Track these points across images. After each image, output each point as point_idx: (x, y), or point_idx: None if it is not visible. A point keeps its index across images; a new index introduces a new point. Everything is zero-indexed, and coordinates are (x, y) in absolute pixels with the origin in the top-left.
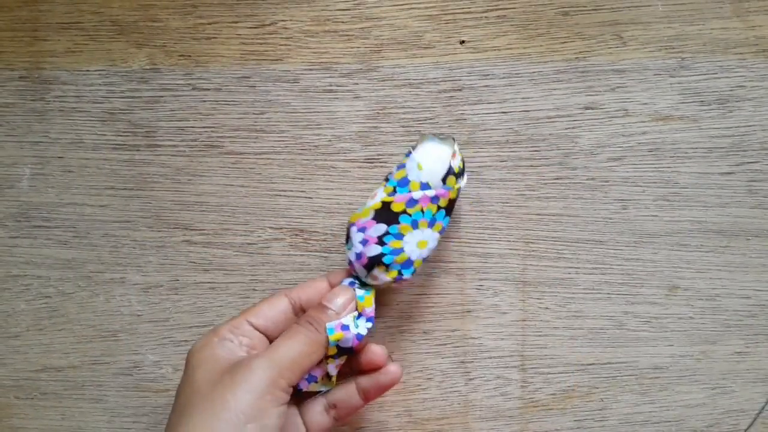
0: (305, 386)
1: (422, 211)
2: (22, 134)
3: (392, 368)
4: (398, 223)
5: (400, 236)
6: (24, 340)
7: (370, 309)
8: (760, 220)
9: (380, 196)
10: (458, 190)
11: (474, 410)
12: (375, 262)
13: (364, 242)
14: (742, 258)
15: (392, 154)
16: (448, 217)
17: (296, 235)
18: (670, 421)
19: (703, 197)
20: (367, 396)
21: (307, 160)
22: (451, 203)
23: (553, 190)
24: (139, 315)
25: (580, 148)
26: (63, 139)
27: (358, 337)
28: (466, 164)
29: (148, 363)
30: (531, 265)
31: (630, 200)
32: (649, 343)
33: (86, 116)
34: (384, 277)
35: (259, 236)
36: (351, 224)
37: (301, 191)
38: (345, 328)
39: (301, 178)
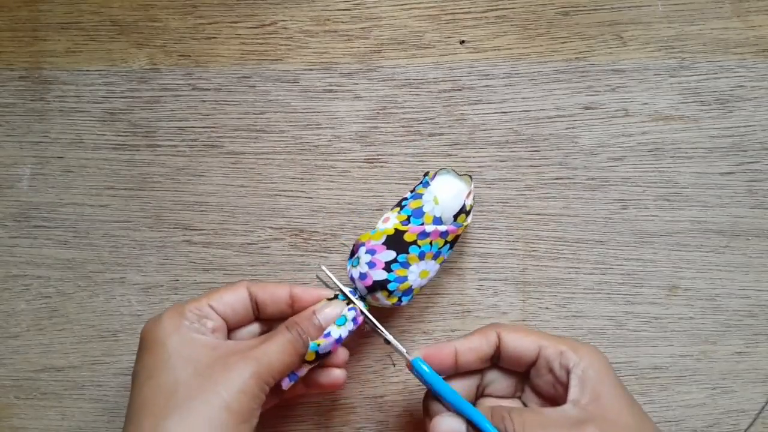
0: (286, 385)
1: (431, 244)
2: (22, 134)
3: (336, 372)
4: (407, 252)
5: (406, 265)
6: (24, 340)
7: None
8: (760, 220)
9: (393, 222)
10: (466, 227)
11: None
12: (379, 286)
13: (372, 264)
14: (742, 258)
15: (392, 154)
16: (451, 250)
17: (296, 235)
18: (670, 421)
19: (703, 197)
20: (306, 383)
21: (307, 160)
22: (457, 238)
23: (553, 190)
24: (139, 315)
25: (580, 148)
26: (63, 139)
27: (338, 341)
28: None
29: None
30: (531, 265)
31: (630, 200)
32: (649, 343)
33: (86, 116)
34: (385, 301)
35: (259, 236)
36: (360, 243)
37: (301, 191)
38: (326, 335)
39: (301, 178)
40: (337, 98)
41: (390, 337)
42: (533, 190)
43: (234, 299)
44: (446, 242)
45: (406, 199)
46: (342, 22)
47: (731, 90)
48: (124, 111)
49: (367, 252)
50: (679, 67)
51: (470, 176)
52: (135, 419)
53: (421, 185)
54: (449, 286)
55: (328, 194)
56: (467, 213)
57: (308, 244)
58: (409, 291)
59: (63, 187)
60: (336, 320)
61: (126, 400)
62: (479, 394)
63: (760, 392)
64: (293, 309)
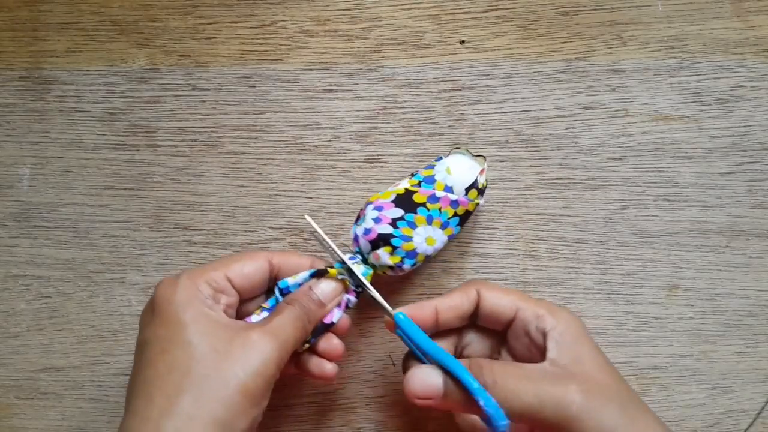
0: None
1: (440, 210)
2: (22, 134)
3: (328, 366)
4: (416, 213)
5: (413, 225)
6: (24, 340)
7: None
8: (760, 220)
9: (404, 184)
10: (476, 204)
11: None
12: (383, 240)
13: (378, 220)
14: (742, 258)
15: (392, 154)
16: (459, 227)
17: (296, 235)
18: (670, 421)
19: (703, 197)
20: (297, 365)
21: (307, 160)
22: (467, 214)
23: (553, 190)
24: (139, 315)
25: (580, 148)
26: (63, 139)
27: (338, 314)
28: (488, 185)
29: None
30: (531, 265)
31: (630, 200)
32: (649, 343)
33: (86, 116)
34: (386, 258)
35: (259, 236)
36: (368, 203)
37: (301, 191)
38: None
39: (301, 178)
40: (337, 98)
41: (376, 294)
42: (533, 190)
43: (254, 271)
44: (456, 214)
45: (419, 170)
46: (342, 22)
47: (731, 90)
48: (124, 111)
49: (374, 209)
50: (679, 67)
51: (484, 157)
52: (145, 393)
53: (435, 160)
54: (449, 286)
55: (328, 194)
56: (479, 191)
57: (308, 244)
58: (413, 254)
59: (63, 187)
60: (335, 300)
61: None
62: (457, 355)
63: (760, 392)
64: None
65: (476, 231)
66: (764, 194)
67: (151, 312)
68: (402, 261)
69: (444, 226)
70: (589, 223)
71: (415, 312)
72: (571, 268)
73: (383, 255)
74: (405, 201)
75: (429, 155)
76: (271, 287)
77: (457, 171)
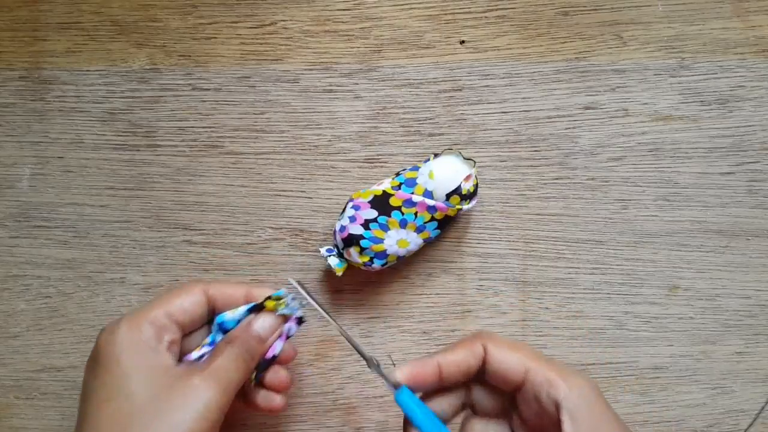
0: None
1: (416, 214)
2: (22, 134)
3: (276, 399)
4: (389, 216)
5: (386, 227)
6: (24, 340)
7: (294, 317)
8: (760, 220)
9: (386, 185)
10: (458, 210)
11: None
12: (353, 240)
13: (353, 219)
14: (742, 258)
15: (392, 154)
16: (439, 231)
17: (296, 235)
18: (670, 421)
19: (703, 197)
20: (245, 400)
21: (307, 160)
22: (447, 219)
23: (553, 190)
24: None
25: (580, 148)
26: (63, 139)
27: (280, 345)
28: (479, 190)
29: None
30: (531, 265)
31: (630, 200)
32: (649, 343)
33: (86, 116)
34: (356, 257)
35: (259, 236)
36: (351, 199)
37: (301, 191)
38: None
39: (301, 178)
40: (337, 98)
41: (381, 372)
42: (533, 190)
43: (191, 305)
44: (433, 218)
45: (405, 169)
46: (342, 22)
47: (731, 90)
48: (124, 111)
49: (352, 207)
50: (679, 67)
51: (474, 161)
52: None
53: (425, 161)
54: (449, 286)
55: (328, 194)
56: (462, 196)
57: (308, 244)
58: (382, 255)
59: (63, 187)
60: (275, 334)
61: None
62: (467, 411)
63: (760, 392)
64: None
65: (476, 231)
66: (764, 194)
67: (95, 360)
68: (371, 261)
69: (419, 230)
70: (589, 223)
71: (417, 370)
72: (571, 268)
73: (353, 253)
74: (381, 203)
75: (429, 155)
76: (211, 318)
77: (441, 175)
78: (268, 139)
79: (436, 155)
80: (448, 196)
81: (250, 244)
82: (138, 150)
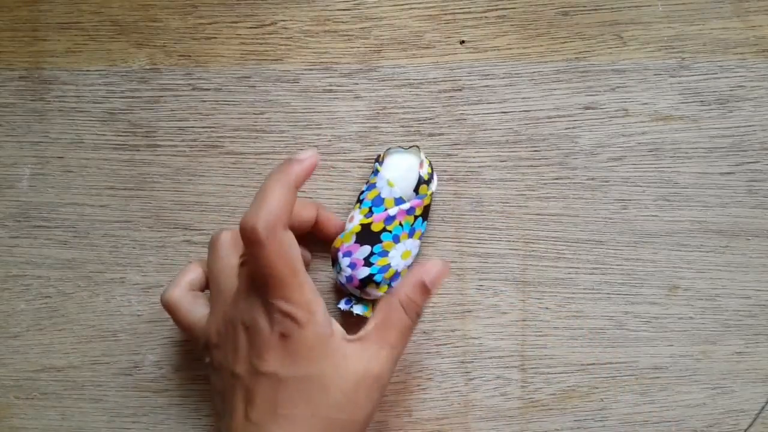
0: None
1: (401, 224)
2: (22, 134)
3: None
4: (381, 241)
5: (385, 253)
6: (24, 340)
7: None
8: (760, 220)
9: (358, 218)
10: (431, 195)
11: (474, 410)
12: (366, 282)
13: (353, 265)
14: (742, 258)
15: None
16: (425, 222)
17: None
18: (670, 421)
19: (703, 197)
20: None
21: None
22: (426, 209)
23: (553, 190)
24: (139, 315)
25: (580, 148)
26: (63, 139)
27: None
28: (434, 167)
29: (148, 363)
30: (531, 265)
31: (630, 200)
32: (649, 343)
33: (86, 116)
34: (376, 292)
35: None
36: (336, 249)
37: (301, 191)
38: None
39: None
40: (337, 98)
41: None
42: (533, 190)
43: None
44: (416, 217)
45: (363, 192)
46: (342, 22)
47: (731, 90)
48: (124, 111)
49: (344, 256)
50: (679, 67)
51: (417, 146)
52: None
53: (373, 175)
54: (449, 286)
55: (328, 194)
56: (427, 182)
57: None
58: (396, 275)
59: (63, 187)
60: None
61: (126, 400)
62: None
63: (760, 392)
64: None
65: (476, 231)
66: (764, 194)
67: None
68: (390, 286)
69: (411, 234)
70: (589, 223)
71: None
72: (571, 268)
73: (372, 291)
74: (366, 236)
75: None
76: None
77: (398, 177)
78: (268, 139)
79: (379, 161)
80: (416, 190)
81: None
82: (138, 150)
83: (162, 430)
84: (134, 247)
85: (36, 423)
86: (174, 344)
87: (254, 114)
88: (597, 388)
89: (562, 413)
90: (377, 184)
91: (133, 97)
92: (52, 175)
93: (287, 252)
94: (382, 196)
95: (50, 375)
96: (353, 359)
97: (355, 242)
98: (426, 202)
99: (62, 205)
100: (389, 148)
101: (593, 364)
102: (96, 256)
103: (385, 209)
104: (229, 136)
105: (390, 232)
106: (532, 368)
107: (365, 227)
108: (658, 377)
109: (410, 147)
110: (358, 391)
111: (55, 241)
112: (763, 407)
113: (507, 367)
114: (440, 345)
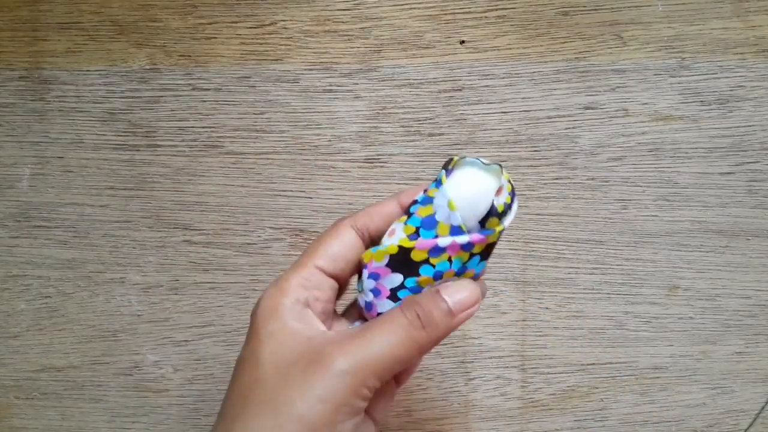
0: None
1: (450, 260)
2: (22, 134)
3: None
4: (418, 275)
5: (418, 290)
6: (24, 340)
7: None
8: (760, 220)
9: (398, 236)
10: (500, 233)
11: (474, 410)
12: None
13: (376, 292)
14: (742, 258)
15: (392, 154)
16: (484, 263)
17: (296, 235)
18: (670, 421)
19: (703, 197)
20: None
21: (307, 160)
22: (489, 247)
23: (553, 190)
24: (139, 315)
25: (580, 148)
26: (63, 139)
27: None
28: (516, 193)
29: (148, 363)
30: (531, 265)
31: (630, 200)
32: (649, 343)
33: (86, 116)
34: None
35: (259, 236)
36: (364, 265)
37: (301, 191)
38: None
39: (301, 178)
40: (337, 98)
41: None
42: (533, 190)
43: (343, 249)
44: (473, 255)
45: (416, 203)
46: (342, 22)
47: (731, 90)
48: (124, 111)
49: (369, 277)
50: (679, 67)
51: (500, 165)
52: (218, 417)
53: (434, 185)
54: None
55: (328, 194)
56: (500, 216)
57: (308, 244)
58: None
59: (63, 187)
60: (472, 309)
61: (126, 400)
62: None
63: (760, 392)
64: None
65: None
66: (764, 194)
67: (249, 327)
68: None
69: (460, 272)
70: (589, 223)
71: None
72: (571, 268)
73: None
74: (401, 262)
75: (429, 155)
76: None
77: (463, 201)
78: (268, 139)
79: (447, 169)
80: (482, 222)
81: (250, 244)
82: (138, 150)
83: (162, 430)
84: (134, 247)
85: (36, 423)
86: (174, 344)
87: (254, 114)
88: (597, 388)
89: (562, 413)
90: (435, 201)
91: (133, 97)
92: (52, 175)
93: None
94: (437, 218)
95: (50, 375)
96: None
97: (387, 265)
98: (491, 239)
99: (62, 205)
100: (464, 157)
101: (593, 364)
102: (96, 256)
103: (436, 236)
104: (229, 136)
105: (433, 266)
106: (532, 368)
107: (404, 251)
108: (658, 377)
109: (491, 164)
110: None
111: (55, 241)
112: (763, 407)
113: (507, 367)
114: (440, 345)
